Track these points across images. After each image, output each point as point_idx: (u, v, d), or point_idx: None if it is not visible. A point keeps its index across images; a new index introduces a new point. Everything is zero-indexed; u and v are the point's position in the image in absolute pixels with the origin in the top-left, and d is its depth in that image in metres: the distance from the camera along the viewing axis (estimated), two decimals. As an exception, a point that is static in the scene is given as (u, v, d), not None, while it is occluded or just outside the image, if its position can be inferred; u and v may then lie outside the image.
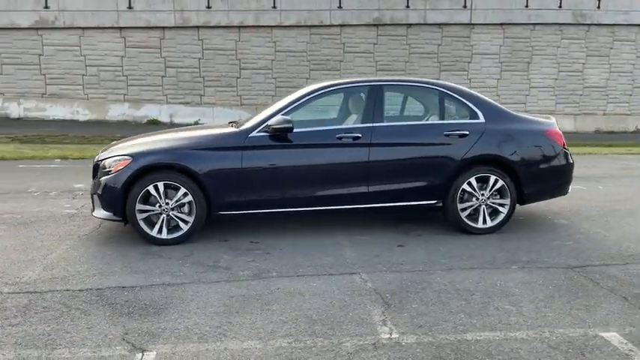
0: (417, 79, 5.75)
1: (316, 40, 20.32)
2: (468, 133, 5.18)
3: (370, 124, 5.10)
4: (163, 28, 19.11)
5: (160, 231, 4.80)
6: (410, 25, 20.68)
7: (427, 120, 5.53)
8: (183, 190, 4.76)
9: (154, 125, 18.11)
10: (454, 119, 5.41)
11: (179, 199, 4.78)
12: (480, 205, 5.22)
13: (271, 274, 4.13)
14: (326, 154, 5.02)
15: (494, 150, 5.21)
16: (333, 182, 5.02)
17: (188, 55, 19.40)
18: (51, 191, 7.09)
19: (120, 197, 4.73)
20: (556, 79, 20.99)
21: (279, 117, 4.93)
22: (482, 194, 5.20)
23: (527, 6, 20.02)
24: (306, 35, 20.20)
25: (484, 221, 5.24)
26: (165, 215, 4.79)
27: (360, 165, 5.01)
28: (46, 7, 18.02)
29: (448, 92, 5.36)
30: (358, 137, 5.01)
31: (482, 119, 5.28)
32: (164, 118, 19.02)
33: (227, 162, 4.85)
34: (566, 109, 21.02)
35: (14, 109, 17.94)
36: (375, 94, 5.20)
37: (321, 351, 2.92)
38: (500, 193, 5.24)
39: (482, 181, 5.20)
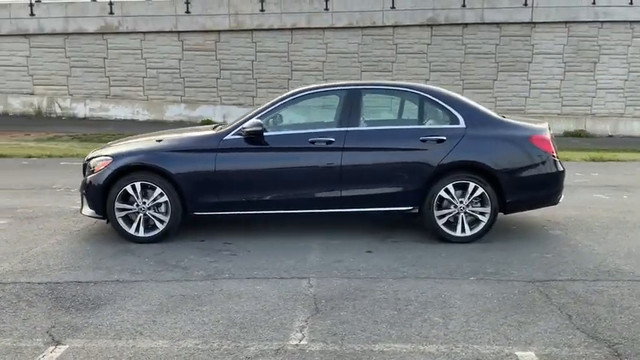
0: (398, 82, 5.69)
1: (368, 41, 20.25)
2: (445, 138, 5.05)
3: (344, 129, 5.09)
4: (219, 31, 19.71)
5: (137, 229, 5.02)
6: (466, 24, 20.16)
7: (405, 125, 5.45)
8: (159, 190, 4.96)
9: (207, 125, 18.71)
10: (433, 124, 5.29)
11: (155, 199, 4.98)
12: (458, 213, 5.08)
13: (224, 275, 4.23)
14: (299, 157, 5.06)
15: (474, 156, 5.05)
16: (305, 186, 5.05)
17: (242, 57, 19.90)
18: (73, 188, 7.53)
19: (100, 196, 4.99)
20: (626, 80, 19.78)
21: (252, 120, 5.04)
22: (461, 202, 5.05)
23: (594, 3, 19.01)
24: (357, 36, 20.19)
25: (462, 230, 5.09)
26: (142, 214, 5.01)
27: (332, 169, 5.01)
28: (111, 12, 19.06)
29: (429, 96, 5.25)
30: (331, 141, 5.02)
31: (462, 124, 5.13)
32: (218, 119, 19.58)
33: (201, 164, 5.01)
34: (635, 112, 19.78)
35: (81, 109, 19.11)
36: (352, 99, 5.19)
37: (221, 354, 2.98)
38: (481, 201, 5.07)
39: (461, 188, 5.06)
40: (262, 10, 19.53)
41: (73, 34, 19.06)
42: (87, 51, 19.21)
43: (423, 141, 5.05)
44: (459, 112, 5.17)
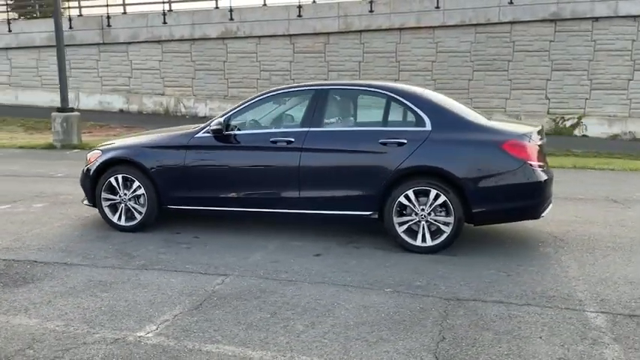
0: (366, 82, 5.48)
1: (482, 39, 19.29)
2: (405, 141, 4.79)
3: (306, 129, 5.06)
4: (328, 33, 20.13)
5: (119, 218, 5.47)
6: (596, 18, 18.36)
7: (367, 126, 5.23)
8: (137, 183, 5.36)
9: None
10: (397, 126, 5.04)
11: (135, 191, 5.40)
12: (419, 221, 4.79)
13: (156, 266, 4.48)
14: (260, 156, 5.14)
15: (434, 161, 4.73)
16: (267, 185, 5.12)
17: (349, 58, 20.11)
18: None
19: (90, 186, 5.53)
20: None
21: (217, 119, 5.22)
22: (422, 209, 4.75)
23: None
24: (470, 34, 19.33)
25: (424, 239, 4.78)
26: (123, 205, 5.45)
27: (291, 169, 5.02)
28: (231, 19, 20.40)
29: (396, 97, 5.02)
30: (291, 141, 5.02)
31: (428, 127, 4.82)
32: (324, 119, 20.04)
33: (173, 160, 5.32)
34: None
35: (202, 109, 20.73)
36: (318, 99, 5.14)
37: (66, 337, 3.22)
38: (446, 210, 4.73)
39: (423, 195, 4.75)
40: (371, 11, 19.54)
41: (198, 40, 20.72)
42: (209, 55, 20.76)
43: (383, 144, 4.84)
44: (426, 114, 4.87)
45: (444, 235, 4.76)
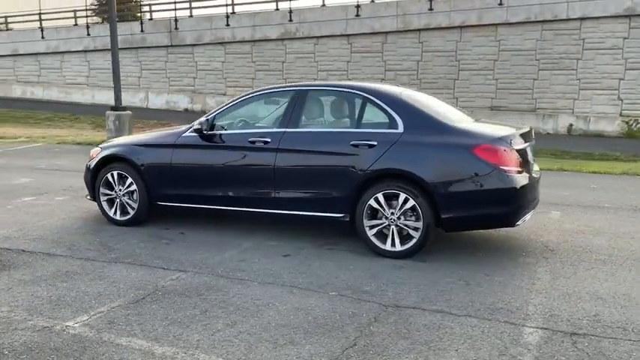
0: (343, 83, 5.40)
1: (548, 36, 18.43)
2: (375, 143, 4.70)
3: (282, 130, 5.10)
4: (386, 32, 19.97)
5: (115, 213, 5.76)
6: (677, 13, 17.08)
7: (340, 127, 5.16)
8: (130, 179, 5.62)
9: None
10: (370, 128, 4.95)
11: (128, 187, 5.66)
12: (389, 225, 4.69)
13: (125, 260, 4.68)
14: (239, 156, 5.24)
15: (403, 164, 4.62)
16: (245, 184, 5.21)
17: (407, 57, 19.85)
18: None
19: (91, 181, 5.85)
20: None
21: (200, 119, 5.37)
22: (392, 213, 4.65)
23: None
24: (536, 32, 18.51)
25: (393, 244, 4.68)
26: (118, 200, 5.73)
27: (267, 169, 5.08)
28: (290, 20, 20.73)
29: (371, 98, 4.94)
30: (268, 142, 5.08)
31: (400, 129, 4.72)
32: (380, 119, 19.90)
33: (161, 158, 5.53)
34: None
35: (260, 109, 21.20)
36: (297, 100, 5.16)
37: (4, 323, 3.45)
38: (416, 214, 4.60)
39: (394, 199, 4.66)
40: (431, 9, 19.17)
41: (258, 41, 21.22)
42: (269, 56, 21.19)
43: (355, 146, 4.78)
44: (399, 116, 4.76)
45: (413, 241, 4.63)
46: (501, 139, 4.57)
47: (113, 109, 13.13)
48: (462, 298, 3.87)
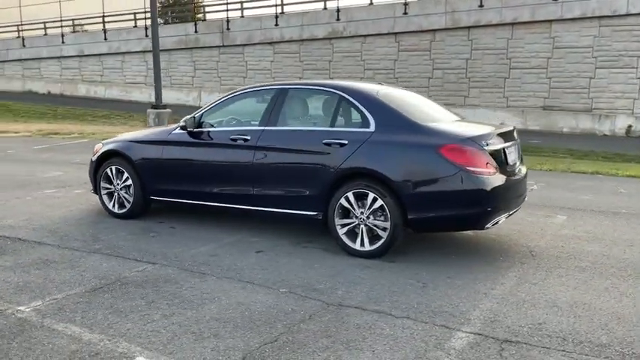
0: (321, 82, 5.37)
1: (606, 33, 17.56)
2: (346, 142, 4.68)
3: (262, 128, 5.17)
4: (434, 30, 19.64)
5: (113, 206, 6.03)
6: None
7: (315, 126, 5.15)
8: (126, 174, 5.87)
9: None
10: (343, 126, 4.92)
11: (125, 181, 5.91)
12: (358, 225, 4.66)
13: (105, 251, 4.89)
14: (222, 153, 5.36)
15: (371, 164, 4.57)
16: (226, 181, 5.32)
17: (455, 56, 19.44)
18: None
19: (93, 175, 6.15)
20: None
21: (186, 117, 5.52)
22: (362, 212, 4.62)
23: None
24: (593, 28, 17.68)
25: (362, 243, 4.65)
26: (116, 194, 5.99)
27: (246, 167, 5.16)
28: (338, 19, 20.78)
29: (347, 97, 4.91)
30: (247, 139, 5.17)
31: (371, 128, 4.67)
32: (426, 119, 19.61)
33: (153, 154, 5.74)
34: None
35: (307, 107, 21.37)
36: (277, 98, 5.22)
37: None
38: (384, 214, 4.55)
39: (364, 198, 4.62)
40: (481, 6, 18.68)
41: (306, 40, 21.41)
42: (316, 55, 21.34)
43: (327, 144, 4.78)
44: (372, 115, 4.72)
45: (381, 241, 4.58)
46: (470, 139, 4.43)
47: (154, 107, 13.67)
48: (410, 300, 3.80)
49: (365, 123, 4.74)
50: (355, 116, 4.86)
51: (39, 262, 4.57)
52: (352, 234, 4.72)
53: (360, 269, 4.43)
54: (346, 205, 4.69)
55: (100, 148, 6.17)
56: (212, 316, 3.52)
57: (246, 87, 5.67)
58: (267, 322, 3.45)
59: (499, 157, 4.59)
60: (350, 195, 4.66)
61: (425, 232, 4.99)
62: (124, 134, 6.52)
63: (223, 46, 22.69)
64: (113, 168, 5.97)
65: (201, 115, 5.57)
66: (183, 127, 5.52)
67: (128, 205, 5.92)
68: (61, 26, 25.56)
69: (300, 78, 21.52)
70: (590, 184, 8.43)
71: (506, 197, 4.59)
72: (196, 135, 5.50)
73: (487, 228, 4.51)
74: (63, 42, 25.58)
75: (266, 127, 5.15)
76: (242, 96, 5.56)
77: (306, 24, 21.30)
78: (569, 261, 4.64)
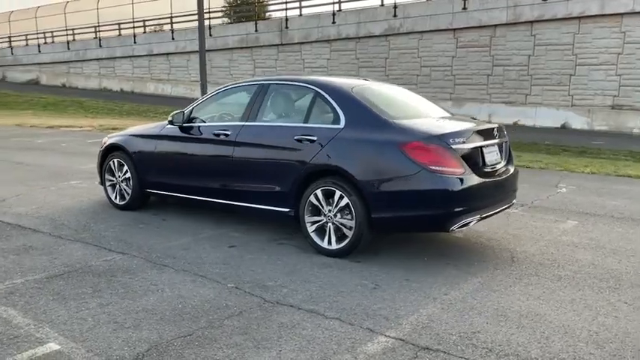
0: (299, 77, 5.25)
1: (684, 25, 16.22)
2: (316, 139, 4.59)
3: (242, 123, 5.17)
4: (495, 26, 18.92)
5: (115, 197, 6.25)
6: None
7: (289, 122, 5.04)
8: (126, 167, 6.06)
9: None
10: (316, 122, 4.80)
11: (124, 174, 6.10)
12: (326, 223, 4.57)
13: (87, 240, 5.06)
14: (206, 148, 5.40)
15: (337, 161, 4.46)
16: (209, 175, 5.36)
17: (517, 52, 18.65)
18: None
19: (99, 167, 6.41)
20: None
21: (173, 112, 5.62)
22: (329, 210, 4.52)
23: None
24: (668, 21, 16.38)
25: (329, 242, 4.55)
26: (118, 186, 6.20)
27: (227, 161, 5.19)
28: (395, 15, 20.48)
29: (321, 93, 4.81)
30: (228, 134, 5.19)
31: (341, 125, 4.55)
32: (482, 117, 18.91)
33: (148, 148, 5.89)
34: None
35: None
36: (258, 94, 5.20)
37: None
38: (350, 213, 4.43)
39: (331, 196, 4.52)
40: (544, 0, 17.77)
41: (362, 38, 21.26)
42: (372, 52, 21.13)
43: (299, 140, 4.71)
44: (343, 111, 4.60)
45: (347, 240, 4.45)
46: (436, 137, 4.20)
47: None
48: (351, 301, 3.66)
49: (336, 119, 4.62)
50: (328, 112, 4.74)
51: (21, 248, 4.80)
52: (322, 232, 4.62)
53: (321, 268, 4.33)
54: (315, 202, 4.60)
55: (105, 141, 6.40)
56: (144, 308, 3.56)
57: (235, 82, 5.68)
58: (195, 316, 3.44)
59: (473, 157, 4.33)
60: (319, 192, 4.56)
61: (390, 233, 4.80)
62: (129, 128, 6.72)
63: (281, 44, 22.95)
64: (115, 161, 6.18)
65: (191, 110, 5.64)
66: (170, 122, 5.61)
67: (127, 197, 6.10)
68: (134, 27, 26.85)
69: (356, 76, 21.39)
70: (627, 189, 7.78)
71: (479, 199, 4.32)
72: (186, 130, 5.58)
73: (452, 231, 4.25)
74: (135, 42, 26.87)
75: (246, 123, 5.15)
76: (230, 91, 5.59)
77: (363, 21, 21.13)
78: (550, 269, 4.31)
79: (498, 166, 4.68)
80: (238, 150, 5.10)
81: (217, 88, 5.74)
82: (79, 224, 5.61)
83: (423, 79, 20.17)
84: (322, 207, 4.56)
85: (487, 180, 4.40)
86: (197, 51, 24.53)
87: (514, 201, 4.97)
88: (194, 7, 25.56)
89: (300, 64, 22.60)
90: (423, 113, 4.95)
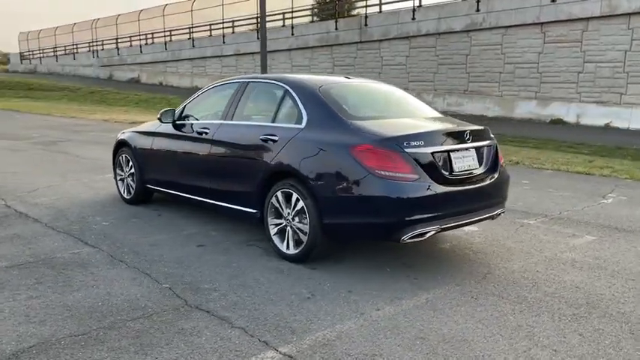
0: (274, 75, 5.00)
1: None
2: (277, 139, 4.40)
3: (219, 122, 5.10)
4: (587, 19, 17.46)
5: (124, 191, 6.43)
6: None
7: (261, 121, 4.83)
8: (131, 163, 6.22)
9: (556, 125, 17.11)
10: (282, 122, 4.58)
11: (130, 169, 6.26)
12: (286, 226, 4.36)
13: (74, 233, 5.20)
14: (190, 146, 5.38)
15: (293, 162, 4.25)
16: (192, 173, 5.35)
17: (612, 47, 17.08)
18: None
19: (112, 162, 6.63)
20: None
21: (161, 110, 5.66)
22: (288, 213, 4.32)
23: None
24: None
25: (288, 246, 4.34)
26: (125, 180, 6.38)
27: (205, 160, 5.14)
28: (477, 10, 19.51)
29: (290, 91, 4.59)
30: (207, 132, 5.14)
31: (302, 124, 4.33)
32: (570, 118, 17.59)
33: (146, 144, 5.98)
34: None
35: (439, 104, 20.47)
36: (238, 92, 5.11)
37: None
38: (306, 217, 4.20)
39: (290, 198, 4.31)
40: (644, -11, 16.09)
41: (442, 34, 20.47)
42: (452, 49, 20.29)
43: (264, 140, 4.53)
44: (306, 110, 4.37)
45: (302, 245, 4.21)
46: (389, 140, 3.84)
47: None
48: (272, 310, 3.46)
49: (299, 119, 4.40)
50: (293, 112, 4.51)
51: (8, 237, 5.04)
52: (283, 235, 4.42)
53: (270, 273, 4.13)
54: (276, 204, 4.41)
55: (118, 137, 6.60)
56: (65, 303, 3.56)
57: (223, 80, 5.61)
58: (104, 315, 3.39)
59: (435, 162, 3.91)
60: (279, 194, 4.36)
61: (344, 241, 4.46)
62: (140, 125, 6.87)
63: (361, 42, 22.69)
64: (123, 156, 6.35)
65: (183, 107, 5.65)
66: (159, 119, 5.66)
67: (132, 192, 6.24)
68: (222, 27, 27.82)
69: (434, 73, 20.69)
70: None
71: (439, 208, 3.89)
72: (178, 127, 5.59)
73: (404, 241, 3.85)
74: (223, 42, 27.84)
75: (223, 121, 5.06)
76: (218, 89, 5.52)
77: (444, 16, 20.32)
78: (519, 290, 3.80)
79: (475, 172, 4.21)
80: (214, 148, 5.02)
81: (208, 85, 5.69)
82: (78, 216, 5.80)
83: (506, 76, 19.03)
84: (282, 209, 4.36)
85: (453, 188, 3.96)
86: (280, 50, 24.96)
87: (499, 211, 4.45)
88: (280, 6, 26.02)
89: (378, 61, 22.22)
90: (398, 114, 4.59)
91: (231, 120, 5.01)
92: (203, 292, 3.76)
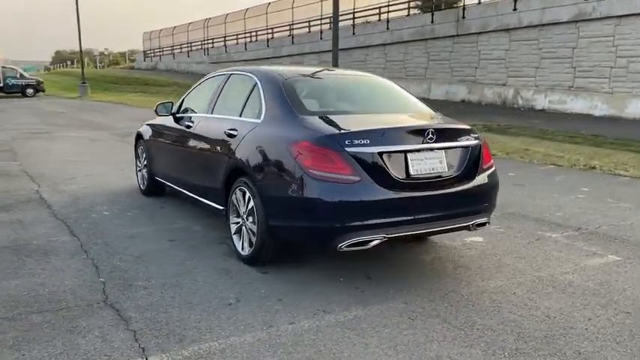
0: (252, 67, 4.66)
1: None
2: (236, 134, 4.15)
3: (202, 115, 4.97)
4: None
5: (140, 183, 6.53)
6: None
7: (230, 114, 4.53)
8: (144, 155, 6.28)
9: None
10: (247, 116, 4.29)
11: (144, 161, 6.33)
12: (242, 225, 4.10)
13: (67, 221, 5.32)
14: (179, 139, 5.27)
15: (245, 158, 3.99)
16: (179, 165, 5.28)
17: None
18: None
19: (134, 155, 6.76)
20: None
21: (158, 102, 5.63)
22: (244, 212, 4.06)
23: None
24: None
25: (242, 246, 4.08)
26: (141, 172, 6.46)
27: (188, 152, 5.02)
28: (586, -1, 17.77)
29: (258, 83, 4.30)
30: (190, 126, 5.04)
31: (261, 119, 4.04)
32: (688, 118, 15.48)
33: (154, 137, 5.98)
34: None
35: (540, 101, 18.97)
36: (221, 84, 4.95)
37: None
38: (255, 216, 3.92)
39: (245, 196, 4.05)
40: None
41: (546, 25, 18.90)
42: (557, 42, 18.67)
43: (228, 135, 4.30)
44: (266, 104, 4.07)
45: (253, 247, 3.92)
46: (328, 137, 3.42)
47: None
48: (180, 315, 3.23)
49: (259, 113, 4.11)
50: (256, 105, 4.21)
51: (10, 221, 5.26)
52: (240, 235, 4.16)
53: (215, 274, 3.88)
54: (235, 202, 4.15)
55: (138, 129, 6.69)
56: (10, 293, 3.52)
57: (214, 72, 5.43)
58: (15, 306, 3.33)
59: (383, 163, 3.42)
60: (238, 192, 4.10)
61: (288, 244, 4.04)
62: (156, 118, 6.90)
63: (457, 35, 21.61)
64: (139, 149, 6.42)
65: (182, 100, 5.58)
66: (155, 112, 5.62)
67: (146, 183, 6.30)
68: (320, 24, 27.89)
69: (536, 68, 19.16)
70: None
71: (386, 214, 3.39)
72: (177, 120, 5.52)
73: (342, 249, 3.39)
74: (321, 38, 27.91)
75: (205, 115, 4.92)
76: (210, 81, 5.35)
77: (548, 6, 18.72)
78: (475, 314, 3.22)
79: (444, 176, 3.64)
80: (193, 142, 4.90)
81: (202, 79, 5.56)
82: (87, 205, 5.93)
83: (618, 71, 17.10)
84: (239, 208, 4.09)
85: (407, 193, 3.44)
86: (375, 45, 24.52)
87: (480, 220, 3.81)
88: (377, 0, 25.54)
89: (475, 55, 21.01)
90: (370, 109, 4.17)
91: (211, 113, 4.84)
92: (131, 290, 3.60)
